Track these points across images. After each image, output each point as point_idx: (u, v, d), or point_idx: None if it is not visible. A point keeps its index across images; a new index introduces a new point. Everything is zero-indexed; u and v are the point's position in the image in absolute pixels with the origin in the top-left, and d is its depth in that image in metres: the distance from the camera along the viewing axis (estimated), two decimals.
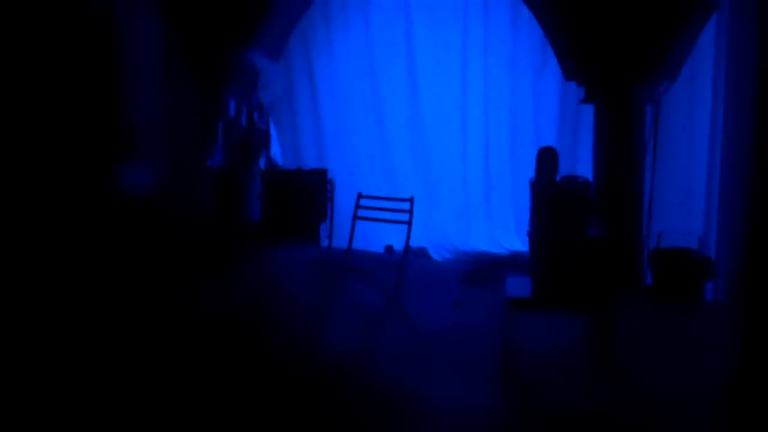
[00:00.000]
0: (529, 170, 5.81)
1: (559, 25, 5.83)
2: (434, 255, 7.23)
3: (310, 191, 7.12)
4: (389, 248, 7.36)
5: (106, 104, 6.20)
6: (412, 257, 6.56)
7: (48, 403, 3.80)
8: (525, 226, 6.01)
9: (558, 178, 5.59)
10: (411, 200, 6.15)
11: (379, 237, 7.25)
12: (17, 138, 5.61)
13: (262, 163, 7.43)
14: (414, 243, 6.63)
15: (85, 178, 6.01)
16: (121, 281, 5.68)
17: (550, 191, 5.46)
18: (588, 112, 6.19)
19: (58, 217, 5.79)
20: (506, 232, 7.32)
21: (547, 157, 5.56)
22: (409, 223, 6.18)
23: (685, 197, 6.09)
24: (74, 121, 5.94)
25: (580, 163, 6.54)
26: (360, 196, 6.33)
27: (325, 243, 7.09)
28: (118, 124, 6.30)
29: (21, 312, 4.99)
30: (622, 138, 5.81)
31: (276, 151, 7.53)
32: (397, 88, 7.43)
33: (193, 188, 6.87)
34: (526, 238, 5.86)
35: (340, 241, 6.79)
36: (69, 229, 5.83)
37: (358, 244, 6.39)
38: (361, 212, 6.30)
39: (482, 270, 6.55)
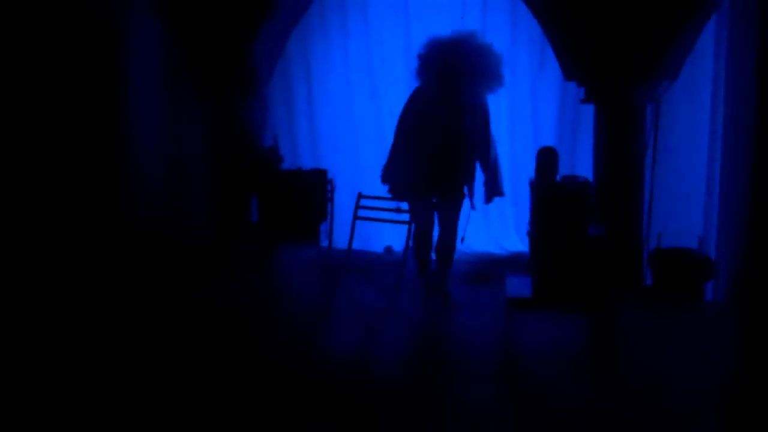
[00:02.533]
0: (528, 170, 5.80)
1: (559, 25, 5.83)
2: (434, 255, 7.20)
3: (310, 191, 7.11)
4: (389, 248, 7.35)
5: (106, 107, 6.19)
6: (411, 257, 6.55)
7: (51, 401, 3.81)
8: (525, 226, 6.01)
9: (558, 178, 5.58)
10: None
11: (379, 237, 7.25)
12: (13, 141, 5.60)
13: (482, 188, 5.56)
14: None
15: (82, 182, 6.00)
16: (126, 286, 5.69)
17: (549, 191, 5.45)
18: (588, 111, 6.19)
19: (53, 220, 5.78)
20: (506, 232, 7.32)
21: (546, 157, 5.54)
22: (409, 223, 6.18)
23: (685, 197, 6.08)
24: (73, 124, 5.93)
25: (580, 163, 6.53)
26: (360, 196, 6.32)
27: (325, 243, 7.09)
28: (117, 127, 6.30)
29: (20, 314, 5.00)
30: (622, 138, 5.81)
31: (501, 167, 5.62)
32: (396, 88, 7.40)
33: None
34: (526, 238, 5.86)
35: (340, 241, 6.79)
36: (64, 233, 5.82)
37: (358, 244, 6.39)
38: (361, 212, 6.30)
39: (482, 270, 6.54)
